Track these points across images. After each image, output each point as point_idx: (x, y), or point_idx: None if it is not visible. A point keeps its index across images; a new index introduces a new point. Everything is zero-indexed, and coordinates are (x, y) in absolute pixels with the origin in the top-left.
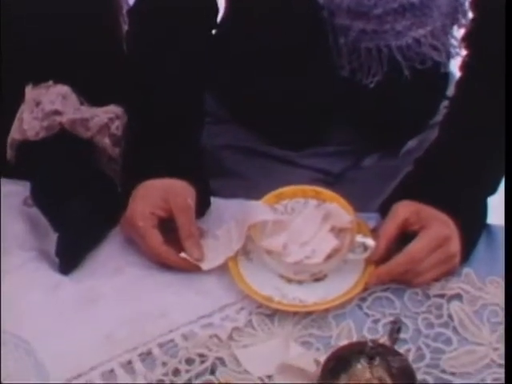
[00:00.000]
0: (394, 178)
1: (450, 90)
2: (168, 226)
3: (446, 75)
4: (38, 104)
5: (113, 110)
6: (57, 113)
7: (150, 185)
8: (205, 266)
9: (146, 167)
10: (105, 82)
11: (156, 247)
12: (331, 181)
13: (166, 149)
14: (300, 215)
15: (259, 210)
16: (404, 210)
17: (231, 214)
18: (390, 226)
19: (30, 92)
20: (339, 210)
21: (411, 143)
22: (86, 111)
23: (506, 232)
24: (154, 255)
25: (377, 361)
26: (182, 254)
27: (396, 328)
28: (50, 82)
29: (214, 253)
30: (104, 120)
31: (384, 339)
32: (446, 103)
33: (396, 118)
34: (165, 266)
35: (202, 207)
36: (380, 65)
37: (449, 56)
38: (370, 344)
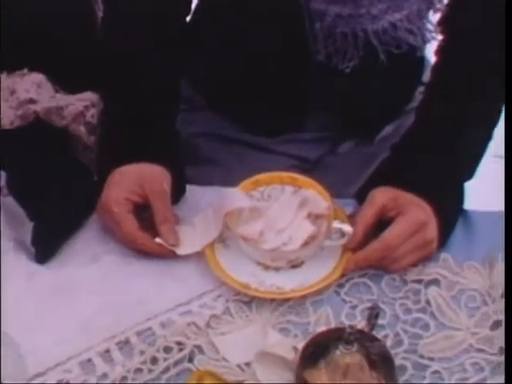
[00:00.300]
0: (371, 165)
1: (426, 76)
2: (143, 214)
3: (422, 60)
4: (12, 92)
5: (88, 97)
6: (31, 101)
7: (125, 170)
8: (180, 251)
9: (120, 152)
10: (80, 69)
11: (131, 233)
12: (308, 167)
13: (141, 134)
14: (276, 202)
15: (235, 196)
16: (381, 196)
17: (208, 202)
18: (368, 212)
19: (4, 80)
20: (316, 196)
21: (387, 129)
22: (61, 99)
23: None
24: (129, 241)
25: (355, 347)
26: (158, 240)
27: (374, 314)
28: (25, 70)
29: (190, 239)
30: (79, 108)
31: (362, 325)
32: (421, 89)
33: (372, 103)
34: (140, 252)
35: (178, 193)
36: (356, 49)
37: (425, 40)
38: (348, 330)
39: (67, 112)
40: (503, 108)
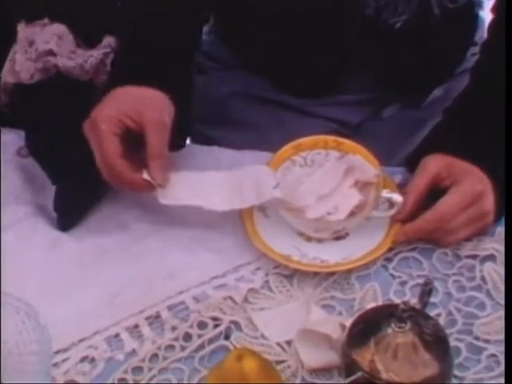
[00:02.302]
0: (417, 130)
1: (479, 36)
2: (136, 151)
3: (476, 19)
4: (31, 44)
5: (107, 42)
6: (51, 53)
7: (126, 90)
8: (163, 198)
9: (125, 72)
10: (103, 21)
11: (112, 157)
12: (349, 132)
13: (152, 59)
14: (321, 168)
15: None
16: (435, 164)
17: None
18: (420, 181)
19: (22, 30)
20: (363, 162)
21: (435, 93)
22: (82, 55)
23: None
24: (108, 166)
25: (408, 325)
26: (144, 174)
27: (427, 290)
28: (46, 20)
29: (183, 191)
30: (99, 57)
31: (413, 303)
32: (473, 50)
33: (420, 64)
34: (117, 184)
35: (179, 136)
36: (408, 2)
37: None
38: (402, 306)
39: (88, 66)
40: None
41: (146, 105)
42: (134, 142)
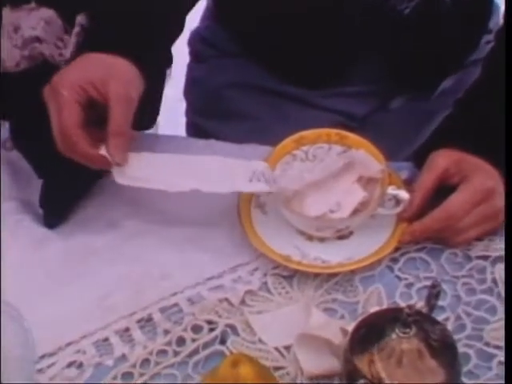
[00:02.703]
0: (427, 123)
1: (494, 22)
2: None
3: (490, 4)
4: (16, 29)
5: (79, 21)
6: (37, 40)
7: (94, 57)
8: (120, 177)
9: (97, 36)
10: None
11: (70, 125)
12: (354, 125)
13: (126, 28)
14: (323, 163)
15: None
16: (443, 159)
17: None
18: (427, 178)
19: (7, 15)
20: (368, 157)
21: (446, 83)
22: (70, 42)
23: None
24: (64, 135)
25: (413, 330)
26: (102, 150)
27: (434, 293)
28: (33, 4)
29: (143, 171)
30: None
31: (419, 306)
32: (487, 38)
33: (430, 52)
34: (72, 156)
35: (148, 114)
36: None
37: None
38: (407, 310)
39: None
40: None
41: (112, 75)
42: (98, 114)
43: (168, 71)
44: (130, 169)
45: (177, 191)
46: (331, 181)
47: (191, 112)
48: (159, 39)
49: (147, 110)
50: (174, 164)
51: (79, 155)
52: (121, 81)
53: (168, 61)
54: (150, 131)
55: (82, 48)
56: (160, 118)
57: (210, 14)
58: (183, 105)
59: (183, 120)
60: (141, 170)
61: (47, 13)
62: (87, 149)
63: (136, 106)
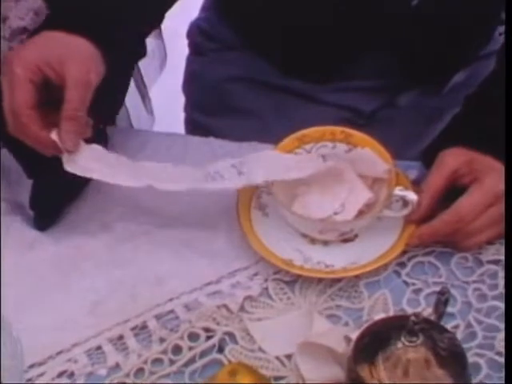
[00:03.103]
0: (437, 120)
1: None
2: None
3: None
4: (4, 20)
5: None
6: (25, 31)
7: (54, 35)
8: (70, 165)
9: (57, 16)
10: None
11: (21, 105)
12: (361, 121)
13: (92, 6)
14: (327, 162)
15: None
16: (453, 158)
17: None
18: (436, 178)
19: None
20: (374, 156)
21: (457, 77)
22: None
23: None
24: (14, 115)
25: (420, 339)
26: (53, 134)
27: (443, 300)
28: None
29: (96, 162)
30: None
31: (427, 313)
32: (501, 29)
33: (442, 44)
34: (21, 138)
35: (107, 105)
36: None
37: None
38: (413, 318)
39: None
40: None
41: (71, 56)
42: (54, 95)
43: (161, 64)
44: (81, 158)
45: (129, 185)
46: (335, 181)
47: (190, 107)
48: (127, 26)
49: (107, 101)
50: (128, 163)
51: (29, 138)
52: (79, 62)
53: (138, 54)
54: (145, 127)
55: (42, 26)
56: (157, 113)
57: (209, 5)
58: (182, 99)
59: (181, 115)
60: (94, 162)
61: (36, 3)
62: (38, 131)
63: (93, 91)
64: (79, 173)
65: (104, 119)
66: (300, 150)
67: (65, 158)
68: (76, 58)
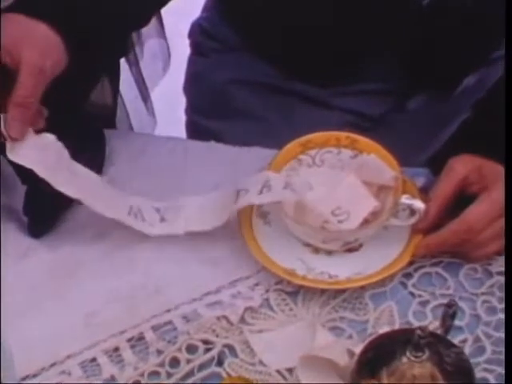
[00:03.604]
0: (447, 125)
1: None
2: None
3: None
4: None
5: None
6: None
7: (13, 18)
8: (12, 154)
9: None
10: None
11: None
12: (367, 126)
13: None
14: (331, 169)
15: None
16: (462, 166)
17: (243, 166)
18: (445, 186)
19: None
20: (380, 163)
21: (468, 81)
22: None
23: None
24: None
25: (426, 354)
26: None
27: (450, 312)
28: None
29: (42, 154)
30: None
31: (434, 326)
32: None
33: (452, 47)
34: None
35: (69, 98)
36: None
37: None
38: (419, 332)
39: None
40: None
41: (28, 40)
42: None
43: (165, 65)
44: (25, 147)
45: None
46: (340, 188)
47: (191, 110)
48: (98, 17)
49: (69, 92)
50: (65, 166)
51: None
52: (36, 47)
53: (116, 49)
54: (147, 130)
55: (9, 8)
56: (159, 115)
57: (211, 5)
58: (183, 101)
59: (183, 118)
60: (39, 153)
61: None
62: None
63: (50, 80)
64: (21, 163)
65: (62, 111)
66: (304, 155)
67: (8, 145)
68: (32, 43)
